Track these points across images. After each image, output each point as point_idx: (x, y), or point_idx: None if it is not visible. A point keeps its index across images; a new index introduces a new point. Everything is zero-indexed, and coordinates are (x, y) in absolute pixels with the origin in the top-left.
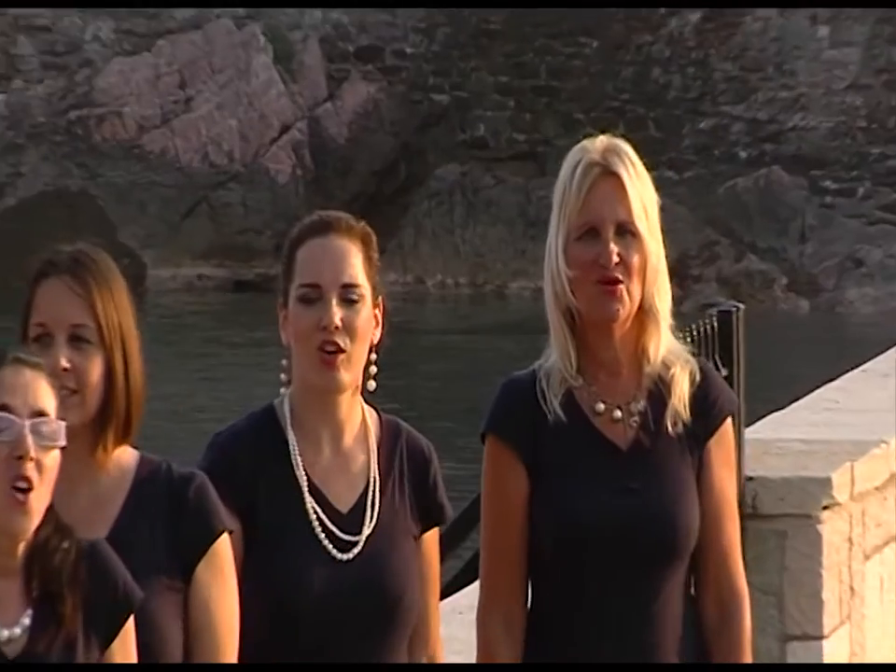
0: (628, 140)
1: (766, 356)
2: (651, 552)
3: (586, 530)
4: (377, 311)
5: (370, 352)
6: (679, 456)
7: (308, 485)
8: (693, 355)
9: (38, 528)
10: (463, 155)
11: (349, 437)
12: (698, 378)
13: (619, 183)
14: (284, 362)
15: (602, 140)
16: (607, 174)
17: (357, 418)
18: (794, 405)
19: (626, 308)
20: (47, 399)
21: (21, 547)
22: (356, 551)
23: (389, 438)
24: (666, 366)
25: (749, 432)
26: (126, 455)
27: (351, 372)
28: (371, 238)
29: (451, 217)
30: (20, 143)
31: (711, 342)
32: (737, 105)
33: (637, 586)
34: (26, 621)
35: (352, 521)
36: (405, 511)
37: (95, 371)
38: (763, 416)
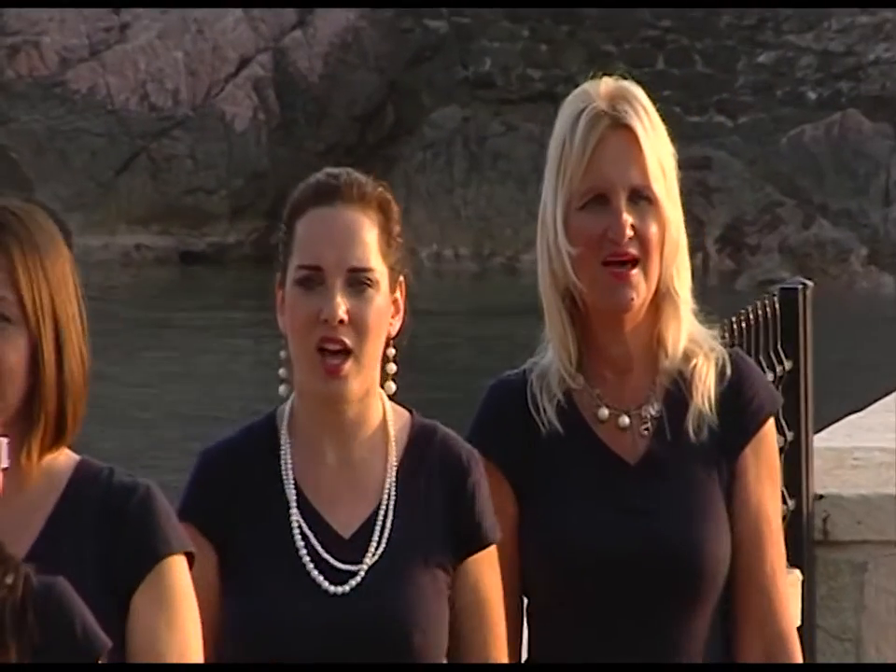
0: (668, 79)
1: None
2: (667, 585)
3: (585, 560)
4: (397, 296)
5: (386, 346)
6: (702, 470)
7: (298, 503)
8: (727, 345)
9: None
10: (465, 96)
11: (361, 445)
12: (729, 372)
13: (632, 138)
14: (282, 354)
15: (607, 83)
16: (617, 126)
17: (374, 421)
18: (874, 406)
19: (641, 295)
20: None
21: None
22: (353, 583)
23: (418, 446)
24: (688, 358)
25: (819, 440)
26: (60, 461)
27: (361, 377)
28: (391, 206)
29: (450, 172)
30: None
31: (771, 328)
32: (805, 34)
33: (649, 628)
34: None
35: (355, 547)
36: (429, 535)
37: (13, 355)
38: (837, 420)
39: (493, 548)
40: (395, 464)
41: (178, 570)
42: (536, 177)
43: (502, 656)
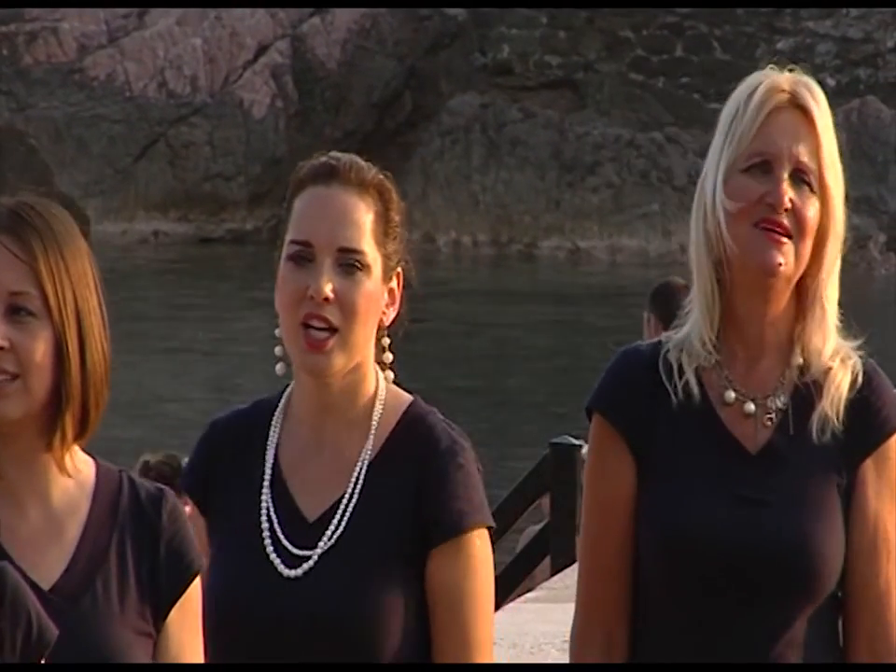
0: (687, 66)
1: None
2: (772, 580)
3: (693, 545)
4: (393, 286)
5: (381, 335)
6: (821, 471)
7: (272, 482)
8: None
9: None
10: (483, 83)
11: (341, 427)
12: (860, 382)
13: (808, 119)
14: (277, 332)
15: (792, 73)
16: (793, 105)
17: (359, 405)
18: None
19: (790, 266)
20: None
21: None
22: (306, 566)
23: (402, 432)
24: (822, 361)
25: None
26: (81, 462)
27: (345, 355)
28: (391, 194)
29: (468, 159)
30: None
31: None
32: (824, 21)
33: (748, 620)
34: None
35: (315, 532)
36: (394, 524)
37: (40, 349)
38: None
39: (467, 539)
40: (370, 449)
41: (199, 584)
42: (554, 164)
43: (474, 660)
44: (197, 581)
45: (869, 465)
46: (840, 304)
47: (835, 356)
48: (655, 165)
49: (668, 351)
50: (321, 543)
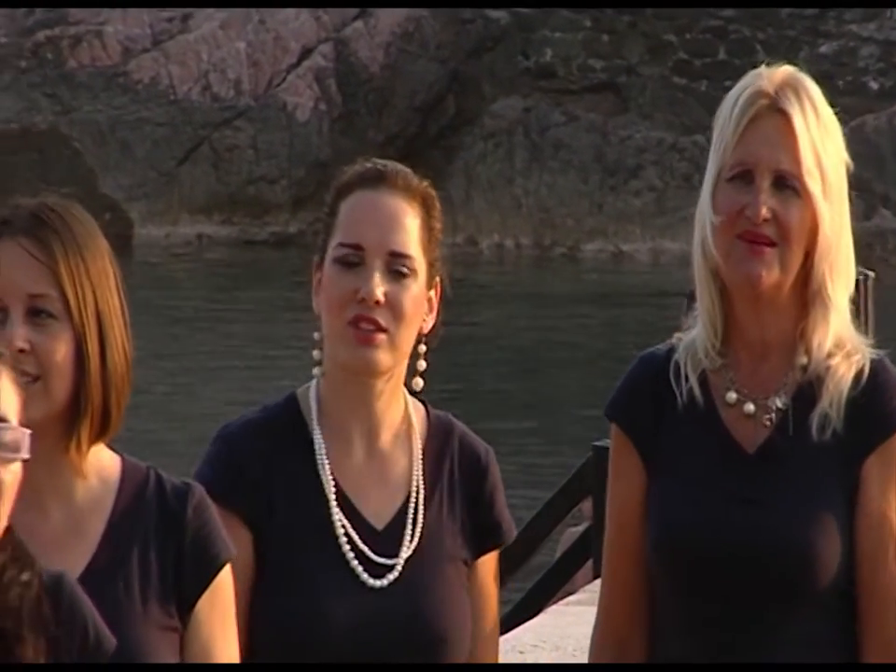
0: (730, 70)
1: None
2: (771, 581)
3: (690, 546)
4: (432, 293)
5: (418, 342)
6: (820, 469)
7: (336, 494)
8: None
9: None
10: (526, 86)
11: (387, 435)
12: (865, 377)
13: (787, 124)
14: (316, 335)
15: (785, 71)
16: (774, 110)
17: (398, 413)
18: None
19: (773, 275)
20: (7, 398)
21: None
22: (391, 576)
23: (438, 439)
24: (826, 358)
25: None
26: (106, 460)
27: (391, 355)
28: (434, 203)
29: (511, 162)
30: None
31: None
32: (867, 24)
33: (752, 622)
34: None
35: (388, 540)
36: (454, 531)
37: (61, 351)
38: None
39: (497, 552)
40: (420, 455)
41: (229, 573)
42: (597, 167)
43: (492, 660)
44: (226, 574)
45: (873, 462)
46: (882, 308)
47: (838, 351)
48: (698, 169)
49: (677, 354)
50: (403, 551)
